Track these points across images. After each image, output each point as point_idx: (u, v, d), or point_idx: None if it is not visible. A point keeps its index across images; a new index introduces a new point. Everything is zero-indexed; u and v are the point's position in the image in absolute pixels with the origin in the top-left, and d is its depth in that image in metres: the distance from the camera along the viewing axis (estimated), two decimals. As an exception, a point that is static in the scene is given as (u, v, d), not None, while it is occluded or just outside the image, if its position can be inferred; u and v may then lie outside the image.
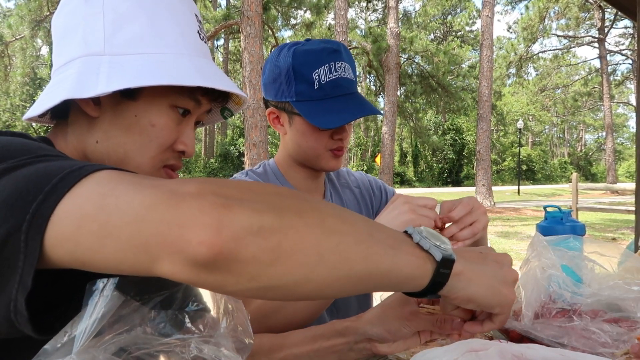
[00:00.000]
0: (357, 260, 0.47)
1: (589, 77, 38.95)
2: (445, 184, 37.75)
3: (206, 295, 0.55)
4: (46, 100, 0.63)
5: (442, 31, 41.58)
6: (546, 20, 30.29)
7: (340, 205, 1.25)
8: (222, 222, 0.39)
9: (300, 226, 0.43)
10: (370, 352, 0.80)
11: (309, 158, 1.14)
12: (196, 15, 0.71)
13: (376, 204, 1.36)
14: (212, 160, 31.30)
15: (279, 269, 0.42)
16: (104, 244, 0.41)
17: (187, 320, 0.51)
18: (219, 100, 0.74)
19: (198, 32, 0.70)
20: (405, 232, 0.56)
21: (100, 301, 0.45)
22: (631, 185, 9.40)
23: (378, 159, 17.30)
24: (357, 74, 1.22)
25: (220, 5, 29.31)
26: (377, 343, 0.78)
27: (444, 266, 0.53)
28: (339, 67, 1.09)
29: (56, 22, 0.68)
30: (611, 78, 33.59)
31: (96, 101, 0.65)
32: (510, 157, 41.81)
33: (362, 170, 28.45)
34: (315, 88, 1.07)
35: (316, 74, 1.06)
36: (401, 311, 0.76)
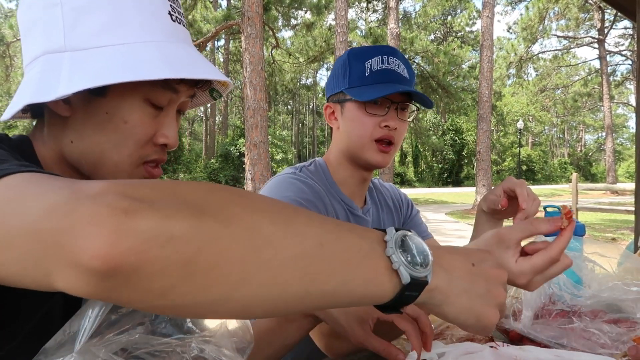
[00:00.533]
0: (291, 280, 0.39)
1: (589, 77, 38.95)
2: (446, 184, 37.77)
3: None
4: (13, 104, 0.60)
5: (442, 32, 41.59)
6: (546, 20, 30.30)
7: (377, 215, 1.29)
8: (120, 231, 0.33)
9: (224, 236, 0.36)
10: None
11: (356, 149, 1.15)
12: None
13: (402, 218, 1.39)
14: (212, 160, 31.31)
15: (194, 286, 0.35)
16: (4, 255, 0.36)
17: (187, 320, 0.52)
18: (201, 84, 0.70)
19: (170, 13, 0.64)
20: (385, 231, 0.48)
21: (100, 301, 0.44)
22: (631, 186, 9.39)
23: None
24: None
25: (220, 6, 29.34)
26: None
27: (412, 289, 0.46)
28: (392, 61, 1.13)
29: (20, 16, 0.64)
30: (611, 79, 33.60)
31: (66, 100, 0.61)
32: (511, 158, 41.82)
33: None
34: (367, 75, 1.11)
35: (368, 63, 1.12)
36: (351, 325, 0.75)
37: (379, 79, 1.11)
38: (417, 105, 1.19)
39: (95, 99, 0.61)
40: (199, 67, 0.61)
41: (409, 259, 0.46)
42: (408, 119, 1.19)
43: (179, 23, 0.65)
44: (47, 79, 0.58)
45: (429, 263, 0.47)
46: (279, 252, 0.38)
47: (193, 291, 0.36)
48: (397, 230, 0.48)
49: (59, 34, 0.59)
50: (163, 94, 0.63)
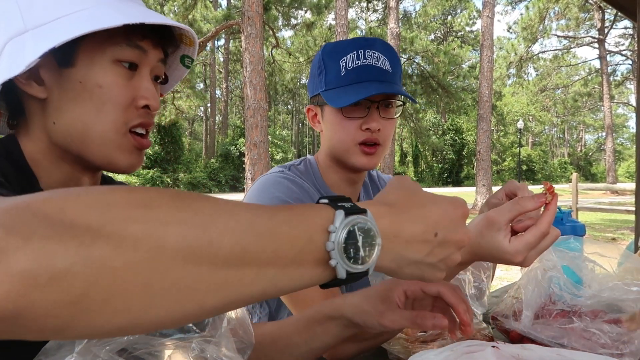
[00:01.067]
0: (208, 292, 0.35)
1: (589, 77, 38.92)
2: (446, 184, 37.74)
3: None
4: None
5: (442, 31, 41.57)
6: (546, 20, 30.27)
7: None
8: None
9: (121, 262, 0.31)
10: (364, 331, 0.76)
11: (340, 153, 1.10)
12: None
13: None
14: (212, 160, 31.32)
15: (91, 322, 0.31)
16: None
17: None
18: (167, 45, 0.70)
19: None
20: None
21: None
22: (631, 186, 9.40)
23: (378, 159, 17.26)
24: None
25: (220, 6, 29.33)
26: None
27: (349, 279, 0.43)
28: (369, 55, 1.05)
29: None
30: (611, 78, 33.57)
31: (39, 81, 0.63)
32: (511, 157, 41.80)
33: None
34: (342, 74, 1.05)
35: (343, 61, 1.05)
36: (377, 307, 0.69)
37: (355, 78, 1.04)
38: (402, 100, 1.12)
39: (66, 71, 0.62)
40: (153, 16, 0.62)
41: (352, 254, 0.42)
42: (395, 116, 1.12)
43: None
44: (14, 58, 0.58)
45: (374, 254, 0.44)
46: (189, 270, 0.34)
47: (92, 325, 0.31)
48: (350, 213, 0.43)
49: (17, 17, 0.60)
50: (131, 52, 0.64)
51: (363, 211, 0.44)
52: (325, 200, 0.45)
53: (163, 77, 0.73)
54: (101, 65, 0.63)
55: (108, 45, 0.63)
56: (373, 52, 1.05)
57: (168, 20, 0.63)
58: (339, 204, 0.43)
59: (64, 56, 0.61)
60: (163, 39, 0.69)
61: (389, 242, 0.46)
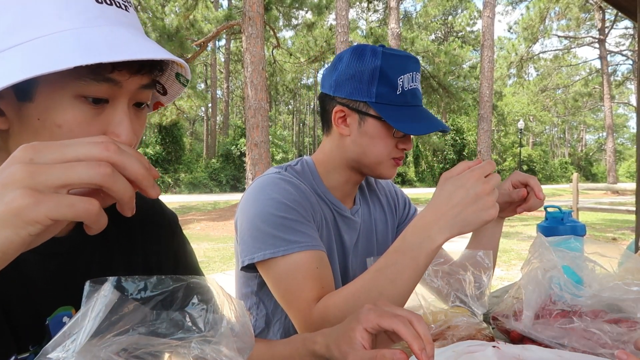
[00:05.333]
0: None
1: (590, 77, 38.94)
2: (446, 184, 37.65)
3: (207, 295, 0.55)
4: None
5: (443, 32, 41.57)
6: (547, 20, 30.28)
7: (368, 214, 1.26)
8: None
9: None
10: None
11: (369, 164, 1.11)
12: None
13: (398, 216, 1.35)
14: (213, 160, 31.32)
15: None
16: None
17: (187, 319, 0.51)
18: (147, 71, 0.60)
19: None
20: None
21: (100, 300, 0.44)
22: (631, 186, 9.39)
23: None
24: None
25: (221, 6, 29.35)
26: None
27: None
28: (417, 78, 1.08)
29: None
30: (611, 78, 33.55)
31: (0, 111, 0.57)
32: (511, 157, 41.78)
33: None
34: (398, 93, 1.05)
35: (401, 80, 1.05)
36: (341, 348, 0.68)
37: (409, 101, 1.06)
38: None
39: (24, 106, 0.55)
40: (122, 49, 0.53)
41: None
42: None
43: (110, 4, 0.57)
44: None
45: None
46: None
47: None
48: None
49: None
50: (97, 87, 0.55)
51: None
52: None
53: (149, 101, 0.65)
54: (61, 102, 0.55)
55: (70, 79, 0.54)
56: (418, 75, 1.09)
57: (139, 52, 0.53)
58: None
59: (22, 90, 0.54)
60: (145, 66, 0.59)
61: None
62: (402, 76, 1.04)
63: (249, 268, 1.04)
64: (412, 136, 1.13)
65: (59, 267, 0.65)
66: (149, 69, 0.60)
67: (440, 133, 1.16)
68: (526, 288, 0.90)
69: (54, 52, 0.51)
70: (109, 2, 0.57)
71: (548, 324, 0.86)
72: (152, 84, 0.62)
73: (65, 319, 0.64)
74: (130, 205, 0.44)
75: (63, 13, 0.53)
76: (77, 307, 0.61)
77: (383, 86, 1.04)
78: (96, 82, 0.55)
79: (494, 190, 0.82)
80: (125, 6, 0.59)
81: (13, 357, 0.59)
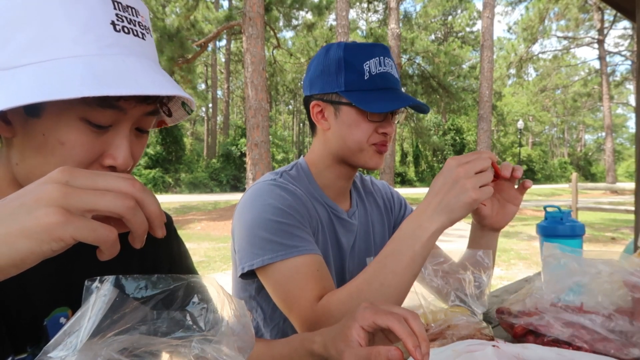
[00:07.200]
0: None
1: (589, 77, 38.96)
2: (446, 184, 37.64)
3: (208, 294, 0.55)
4: None
5: (442, 32, 41.56)
6: (546, 21, 30.29)
7: (365, 216, 1.25)
8: None
9: None
10: None
11: (352, 153, 1.12)
12: (116, 3, 0.58)
13: (393, 218, 1.35)
14: (213, 160, 31.32)
15: None
16: None
17: (188, 319, 0.52)
18: (155, 100, 0.62)
19: (113, 22, 0.57)
20: None
21: (100, 300, 0.44)
22: (631, 185, 9.39)
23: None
24: None
25: (222, 7, 29.35)
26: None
27: None
28: (387, 62, 1.10)
29: None
30: (610, 79, 33.58)
31: (6, 120, 0.59)
32: (511, 157, 41.79)
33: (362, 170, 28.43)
34: (365, 78, 1.07)
35: (367, 65, 1.07)
36: (337, 347, 0.68)
37: (378, 84, 1.08)
38: (412, 109, 1.15)
39: (31, 120, 0.58)
40: (130, 82, 0.55)
41: None
42: (398, 121, 1.19)
43: (127, 32, 0.59)
44: None
45: None
46: None
47: None
48: None
49: None
50: (102, 113, 0.58)
51: None
52: None
53: (150, 127, 0.68)
54: (67, 122, 0.57)
55: (77, 103, 0.56)
56: (389, 60, 1.11)
57: (150, 87, 0.55)
58: None
59: (31, 106, 0.55)
60: (151, 96, 0.60)
61: None
62: (367, 62, 1.08)
63: (247, 274, 1.03)
64: (395, 121, 1.15)
65: (56, 269, 0.66)
66: (155, 98, 0.62)
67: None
68: (534, 285, 0.90)
69: (63, 79, 0.52)
70: (126, 31, 0.58)
71: (551, 322, 0.86)
72: (156, 111, 0.64)
73: (62, 319, 0.65)
74: (142, 239, 0.47)
75: (80, 38, 0.55)
76: (74, 309, 0.62)
77: (350, 74, 1.08)
78: (101, 108, 0.57)
79: (473, 174, 0.83)
80: (143, 34, 0.61)
81: (10, 358, 0.59)
